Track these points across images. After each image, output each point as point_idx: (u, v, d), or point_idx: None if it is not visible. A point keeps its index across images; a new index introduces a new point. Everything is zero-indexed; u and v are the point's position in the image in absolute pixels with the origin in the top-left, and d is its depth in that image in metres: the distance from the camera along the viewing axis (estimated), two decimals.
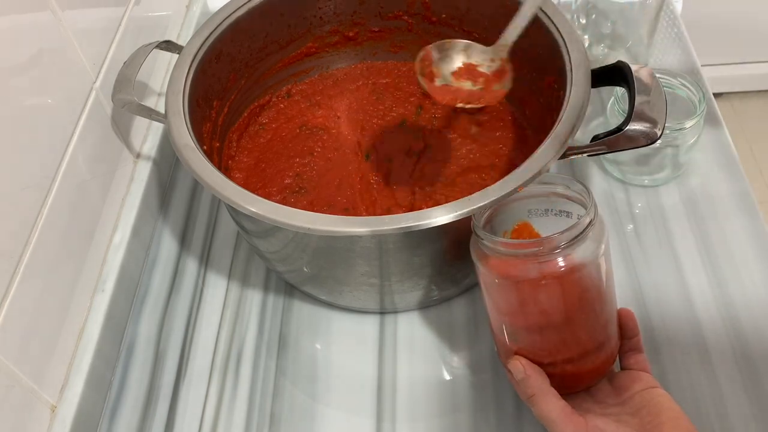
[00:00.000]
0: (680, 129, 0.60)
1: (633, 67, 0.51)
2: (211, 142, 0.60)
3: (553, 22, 0.57)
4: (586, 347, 0.47)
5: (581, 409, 0.46)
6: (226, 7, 0.62)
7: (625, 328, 0.50)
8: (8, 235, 0.47)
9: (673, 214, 0.64)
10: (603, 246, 0.45)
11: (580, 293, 0.45)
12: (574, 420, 0.44)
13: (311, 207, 0.60)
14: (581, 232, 0.43)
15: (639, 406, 0.45)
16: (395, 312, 0.60)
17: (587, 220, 0.44)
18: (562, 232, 0.43)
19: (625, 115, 0.49)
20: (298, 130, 0.68)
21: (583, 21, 0.74)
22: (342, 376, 0.57)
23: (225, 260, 0.65)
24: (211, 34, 0.60)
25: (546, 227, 0.49)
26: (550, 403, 0.45)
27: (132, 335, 0.61)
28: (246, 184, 0.62)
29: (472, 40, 0.66)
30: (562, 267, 0.43)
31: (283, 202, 0.61)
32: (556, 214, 0.49)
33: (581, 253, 0.44)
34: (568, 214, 0.49)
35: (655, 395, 0.46)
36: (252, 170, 0.65)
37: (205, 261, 0.66)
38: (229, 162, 0.65)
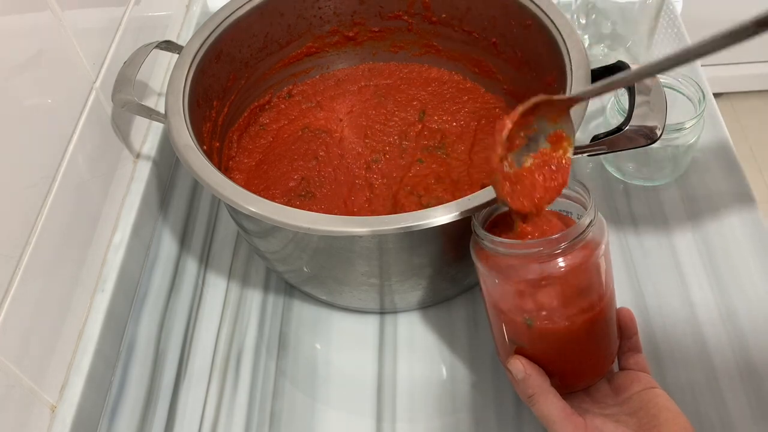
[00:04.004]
0: (680, 129, 0.60)
1: (633, 67, 0.51)
2: (211, 142, 0.60)
3: (553, 22, 0.57)
4: (585, 347, 0.47)
5: (580, 409, 0.46)
6: (226, 7, 0.62)
7: (624, 327, 0.50)
8: (8, 235, 0.47)
9: (673, 214, 0.64)
10: (603, 246, 0.45)
11: (580, 293, 0.45)
12: (574, 420, 0.44)
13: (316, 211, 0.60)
14: (581, 233, 0.43)
15: (637, 406, 0.45)
16: (395, 312, 0.60)
17: (587, 221, 0.44)
18: (562, 233, 0.43)
19: (626, 115, 0.49)
20: (300, 133, 0.68)
21: (583, 21, 0.74)
22: (342, 376, 0.57)
23: (225, 260, 0.65)
24: (211, 34, 0.60)
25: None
26: (550, 403, 0.45)
27: (132, 335, 0.61)
28: (248, 186, 0.62)
29: (472, 40, 0.66)
30: (562, 267, 0.43)
31: (288, 205, 0.61)
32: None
33: (581, 253, 0.44)
34: (569, 214, 0.49)
35: (653, 395, 0.46)
36: (253, 172, 0.65)
37: (205, 261, 0.66)
38: (230, 163, 0.65)
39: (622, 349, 0.50)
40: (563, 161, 0.45)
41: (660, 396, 0.46)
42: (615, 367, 0.50)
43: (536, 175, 0.44)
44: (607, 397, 0.48)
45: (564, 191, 0.48)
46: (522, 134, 0.44)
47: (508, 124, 0.42)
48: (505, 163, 0.43)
